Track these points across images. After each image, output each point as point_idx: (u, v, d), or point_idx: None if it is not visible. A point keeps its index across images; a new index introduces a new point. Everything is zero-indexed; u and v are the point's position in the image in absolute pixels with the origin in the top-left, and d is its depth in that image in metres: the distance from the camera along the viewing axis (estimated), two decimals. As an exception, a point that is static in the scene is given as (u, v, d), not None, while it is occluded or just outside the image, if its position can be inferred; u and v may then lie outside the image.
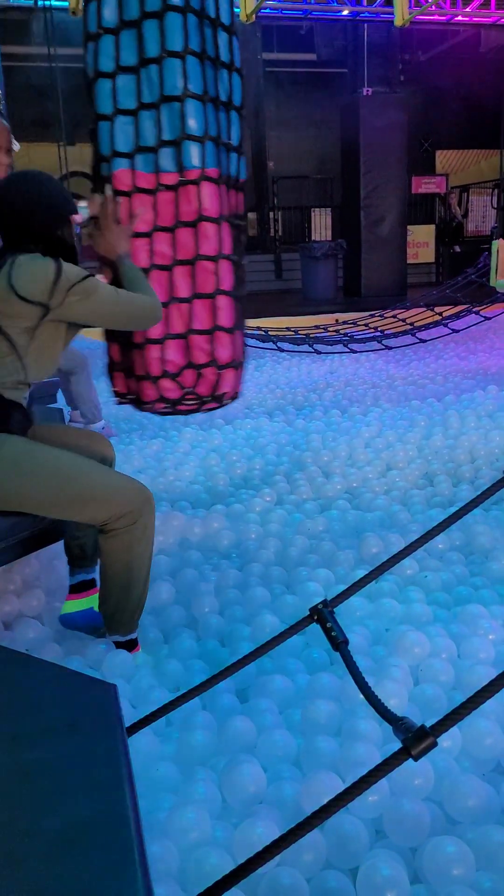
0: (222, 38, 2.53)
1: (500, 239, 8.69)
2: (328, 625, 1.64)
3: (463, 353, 7.74)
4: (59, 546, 2.46)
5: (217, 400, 2.63)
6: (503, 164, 9.64)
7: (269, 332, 7.98)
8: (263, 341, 7.78)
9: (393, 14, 10.68)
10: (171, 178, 2.46)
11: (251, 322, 8.55)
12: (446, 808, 1.64)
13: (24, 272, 1.96)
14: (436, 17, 12.06)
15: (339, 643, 1.60)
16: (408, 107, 13.05)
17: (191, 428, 4.82)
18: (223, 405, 2.69)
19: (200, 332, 2.53)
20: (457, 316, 8.62)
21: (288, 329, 8.51)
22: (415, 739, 1.23)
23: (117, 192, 2.46)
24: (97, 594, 2.33)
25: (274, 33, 14.82)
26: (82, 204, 2.63)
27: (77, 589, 2.35)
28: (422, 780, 1.64)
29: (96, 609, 2.32)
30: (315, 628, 1.71)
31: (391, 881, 1.40)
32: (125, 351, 2.60)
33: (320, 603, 1.69)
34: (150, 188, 2.46)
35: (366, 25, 12.99)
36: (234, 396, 2.67)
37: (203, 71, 2.43)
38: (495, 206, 12.06)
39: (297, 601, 2.47)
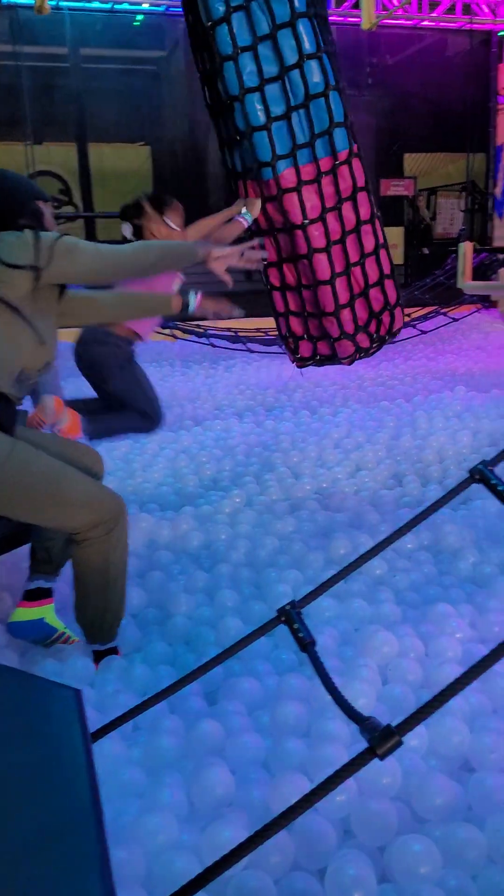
0: (327, 27, 2.83)
1: (467, 241, 8.76)
2: (295, 626, 1.63)
3: (431, 353, 7.81)
4: (26, 548, 2.42)
5: (392, 336, 3.14)
6: (469, 168, 9.74)
7: (239, 334, 7.98)
8: (233, 342, 7.77)
9: (360, 18, 10.74)
10: (327, 164, 2.79)
11: (220, 323, 8.53)
12: (414, 806, 1.64)
13: (7, 244, 2.04)
14: (402, 22, 12.16)
15: (306, 644, 1.59)
16: (376, 110, 13.13)
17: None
18: (394, 338, 3.21)
19: (374, 286, 2.97)
20: (425, 317, 8.69)
21: (258, 330, 8.51)
22: (380, 739, 1.23)
23: (285, 191, 2.76)
24: (51, 605, 2.30)
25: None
26: (244, 210, 2.99)
27: (32, 596, 2.29)
28: (389, 780, 1.65)
29: (47, 620, 2.28)
30: (285, 630, 1.71)
31: (358, 881, 1.40)
32: (308, 322, 3.02)
33: (288, 604, 1.68)
34: (312, 178, 2.78)
35: (333, 29, 13.04)
36: (401, 327, 3.18)
37: (331, 63, 2.76)
38: (462, 208, 12.16)
39: (265, 602, 2.47)
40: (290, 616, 1.65)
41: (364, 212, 2.88)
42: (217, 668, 2.11)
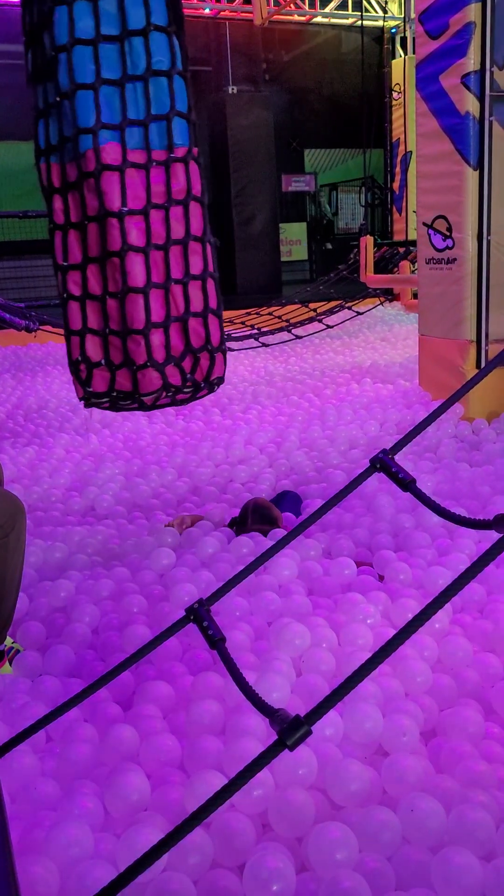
0: (180, 15, 2.47)
1: (367, 236, 8.93)
2: (205, 624, 1.63)
3: (338, 347, 7.92)
4: None
5: (210, 386, 2.58)
6: (367, 163, 9.94)
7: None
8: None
9: (253, 13, 10.82)
10: (161, 156, 2.40)
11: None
12: (330, 794, 1.66)
13: None
14: (296, 18, 12.31)
15: (215, 641, 1.59)
16: (274, 106, 13.22)
17: (67, 433, 4.71)
18: (213, 391, 2.63)
19: (195, 315, 2.49)
20: (331, 312, 8.81)
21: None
22: (290, 730, 1.23)
23: (105, 167, 2.33)
24: None
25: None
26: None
27: None
28: (305, 770, 1.66)
29: None
30: (198, 630, 1.69)
31: (277, 874, 1.40)
32: (109, 343, 2.48)
33: (196, 602, 1.68)
34: (141, 163, 2.39)
35: (227, 24, 13.07)
36: (222, 381, 2.62)
37: (181, 50, 2.41)
38: (363, 203, 12.41)
39: (174, 604, 2.45)
40: (199, 614, 1.64)
41: (195, 226, 2.49)
42: (130, 674, 2.10)
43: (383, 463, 1.84)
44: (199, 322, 2.51)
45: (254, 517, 3.04)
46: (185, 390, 2.54)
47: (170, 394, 2.50)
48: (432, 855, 1.47)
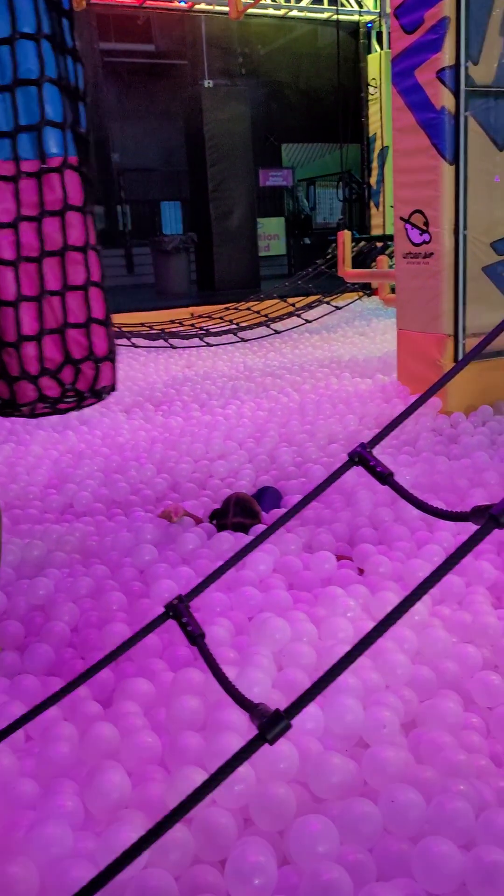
0: (64, 22, 2.46)
1: (345, 230, 8.94)
2: (184, 620, 1.62)
3: (317, 342, 7.92)
4: None
5: (96, 395, 2.56)
6: (344, 158, 9.96)
7: (123, 328, 7.88)
8: (117, 337, 7.66)
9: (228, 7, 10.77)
10: (32, 166, 2.37)
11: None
12: (311, 787, 1.67)
13: None
14: (271, 11, 12.29)
15: (195, 637, 1.58)
16: (250, 100, 13.18)
17: (44, 430, 4.68)
18: (102, 399, 2.62)
19: (76, 326, 2.47)
20: (309, 306, 8.83)
21: (142, 324, 8.43)
22: (269, 724, 1.23)
23: None
24: None
25: (110, 23, 14.57)
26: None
27: None
28: (286, 764, 1.66)
29: None
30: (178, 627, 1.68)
31: (258, 868, 1.40)
32: None
33: (175, 598, 1.67)
34: (8, 176, 2.35)
35: (203, 17, 13.02)
36: (112, 389, 2.61)
37: (55, 56, 2.38)
38: (340, 198, 12.42)
39: (154, 600, 2.44)
40: (178, 610, 1.64)
41: (75, 236, 2.46)
42: (110, 671, 2.09)
43: (361, 457, 1.84)
44: (81, 333, 2.49)
45: (235, 510, 3.05)
46: (67, 400, 2.54)
47: (47, 404, 2.50)
48: (413, 845, 1.48)
